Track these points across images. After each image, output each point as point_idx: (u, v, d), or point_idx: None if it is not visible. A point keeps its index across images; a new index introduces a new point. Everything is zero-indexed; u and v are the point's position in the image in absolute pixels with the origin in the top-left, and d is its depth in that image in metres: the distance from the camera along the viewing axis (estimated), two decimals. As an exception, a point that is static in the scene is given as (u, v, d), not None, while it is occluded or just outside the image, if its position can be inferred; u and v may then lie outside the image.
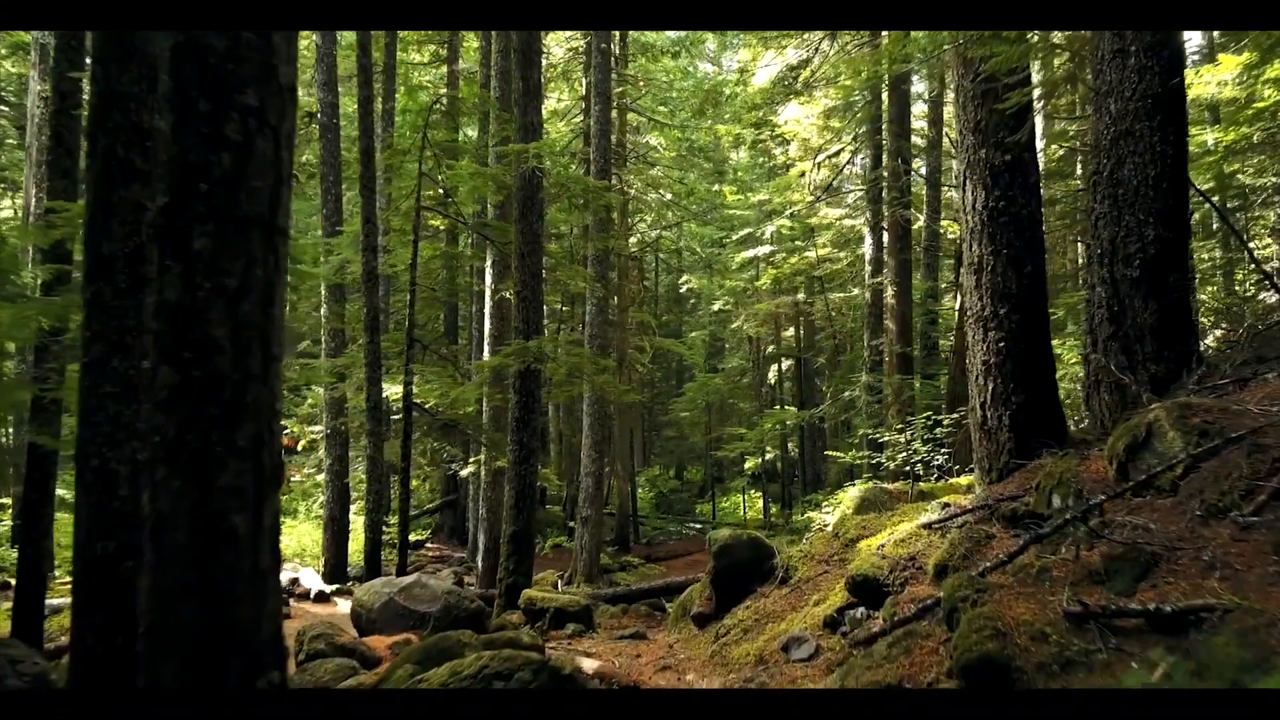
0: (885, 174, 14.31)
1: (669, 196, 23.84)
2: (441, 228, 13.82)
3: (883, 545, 4.74)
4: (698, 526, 28.59)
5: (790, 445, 27.11)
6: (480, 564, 12.99)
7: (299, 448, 21.81)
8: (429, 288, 13.34)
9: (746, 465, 28.78)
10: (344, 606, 12.26)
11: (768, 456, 26.79)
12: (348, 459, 13.82)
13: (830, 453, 11.65)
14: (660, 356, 32.16)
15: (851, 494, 10.95)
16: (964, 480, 10.53)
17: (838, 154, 16.13)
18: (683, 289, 34.92)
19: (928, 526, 4.51)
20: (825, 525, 12.01)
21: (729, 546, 6.02)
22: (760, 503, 27.06)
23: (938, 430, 10.62)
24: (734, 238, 26.09)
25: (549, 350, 8.75)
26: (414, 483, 26.35)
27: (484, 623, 7.98)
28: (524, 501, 8.94)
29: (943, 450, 10.89)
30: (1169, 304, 6.52)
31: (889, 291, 14.46)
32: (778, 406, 27.25)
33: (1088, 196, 7.25)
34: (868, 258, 15.33)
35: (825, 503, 24.27)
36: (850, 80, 14.16)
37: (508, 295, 12.72)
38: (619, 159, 19.87)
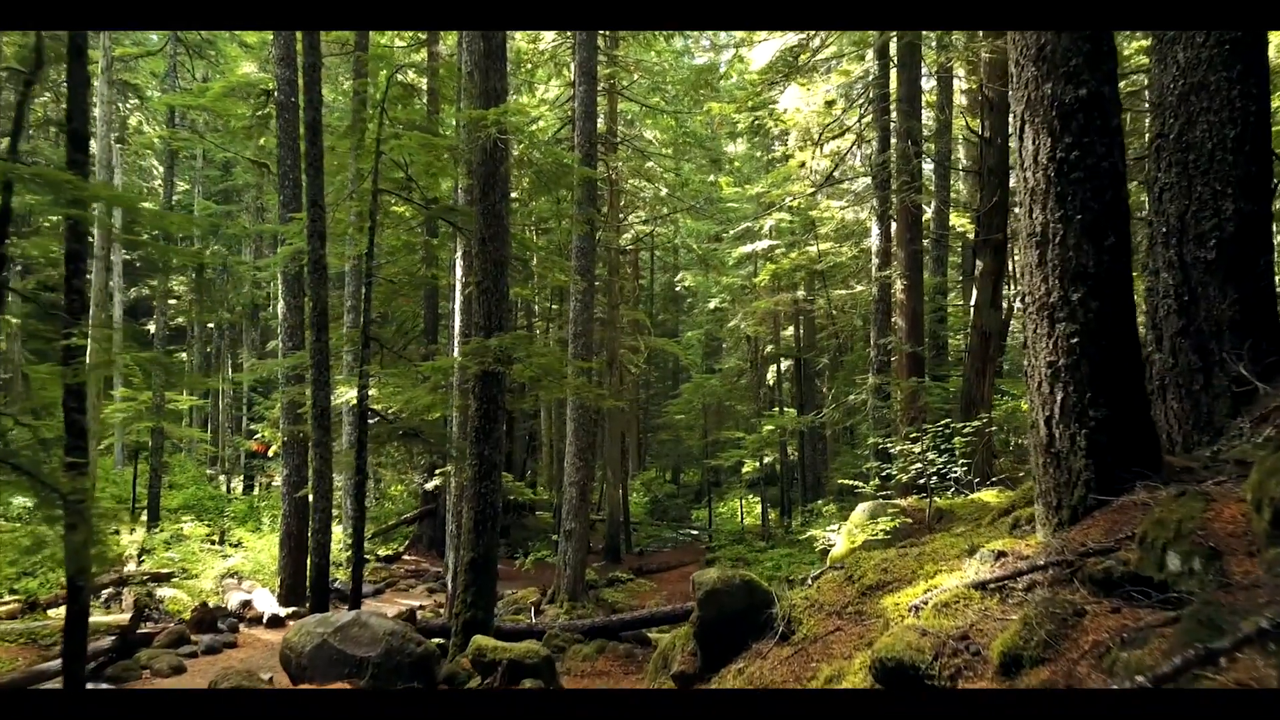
0: (894, 157, 13.14)
1: (664, 191, 22.71)
2: (408, 215, 12.68)
3: (917, 608, 3.56)
4: (694, 533, 27.52)
5: (790, 449, 25.93)
6: (451, 585, 11.82)
7: (270, 454, 20.64)
8: (388, 279, 12.16)
9: (744, 469, 27.65)
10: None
11: (766, 460, 25.66)
12: (306, 468, 12.63)
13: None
14: (656, 357, 31.06)
15: (859, 514, 9.78)
16: (987, 496, 9.37)
17: (843, 134, 14.96)
18: (678, 287, 33.81)
19: (981, 587, 3.34)
20: (831, 544, 10.85)
21: (717, 593, 4.86)
22: (759, 508, 25.89)
23: (956, 440, 9.47)
24: (731, 233, 24.93)
25: (516, 349, 7.58)
26: (396, 487, 25.18)
27: (433, 670, 6.81)
28: (484, 524, 7.76)
29: (961, 462, 9.75)
30: (1253, 292, 5.38)
31: (898, 286, 13.28)
32: (776, 409, 26.11)
33: (1149, 164, 6.11)
34: (874, 249, 14.17)
35: (826, 509, 23.18)
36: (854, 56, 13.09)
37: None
38: (609, 146, 18.71)
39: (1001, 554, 3.57)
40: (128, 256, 32.31)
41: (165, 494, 23.92)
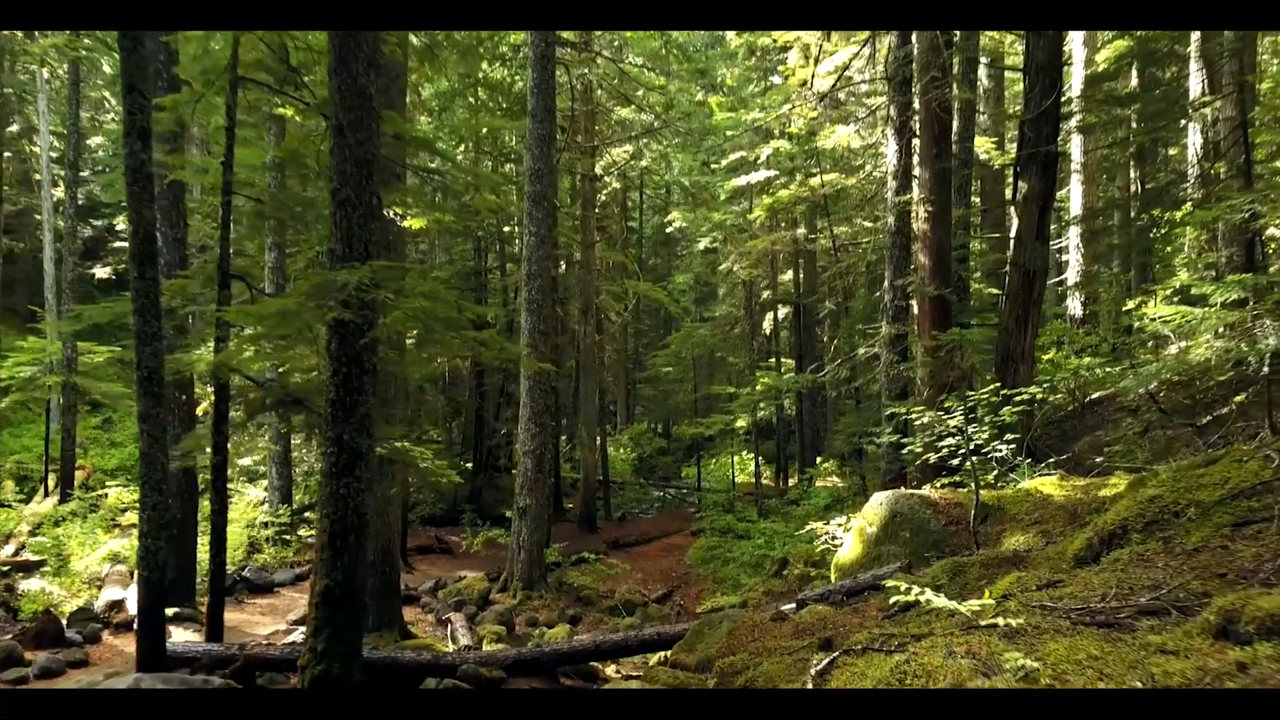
0: (917, 49, 10.52)
1: (648, 117, 19.99)
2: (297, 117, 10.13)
3: None
4: (684, 492, 25.50)
5: (787, 403, 23.67)
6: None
7: (201, 413, 18.35)
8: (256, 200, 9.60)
9: (737, 424, 25.46)
10: (180, 636, 8.94)
11: (760, 414, 23.45)
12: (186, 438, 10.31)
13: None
14: (648, 303, 28.63)
15: (874, 507, 7.49)
16: (1046, 486, 7.02)
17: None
18: (670, 229, 31.23)
19: None
20: (836, 542, 8.58)
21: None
22: (752, 465, 23.71)
23: (1006, 410, 7.13)
24: (724, 161, 22.21)
25: (380, 286, 5.16)
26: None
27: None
28: (342, 538, 5.42)
29: (1008, 439, 7.43)
30: None
31: (920, 213, 10.78)
32: (773, 360, 23.75)
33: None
34: (890, 170, 11.60)
35: (824, 466, 20.90)
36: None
37: (394, 212, 9.09)
38: (578, 49, 15.97)
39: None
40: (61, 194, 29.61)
41: (104, 453, 21.72)
